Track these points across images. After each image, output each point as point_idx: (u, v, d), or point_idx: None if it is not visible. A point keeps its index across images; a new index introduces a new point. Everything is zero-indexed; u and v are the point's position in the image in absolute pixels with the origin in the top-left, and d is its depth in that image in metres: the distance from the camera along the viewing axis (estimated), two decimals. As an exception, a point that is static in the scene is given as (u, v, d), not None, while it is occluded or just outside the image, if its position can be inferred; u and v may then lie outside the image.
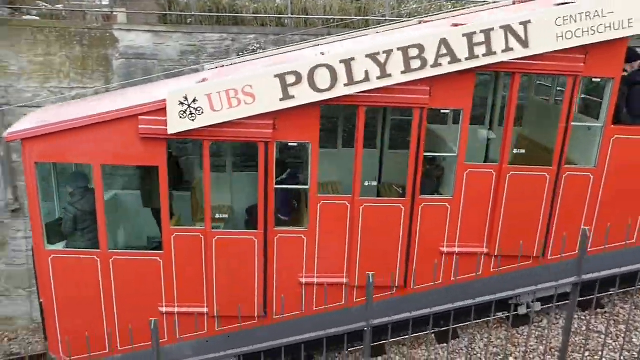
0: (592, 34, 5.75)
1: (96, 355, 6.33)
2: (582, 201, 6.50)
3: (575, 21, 5.70)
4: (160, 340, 4.50)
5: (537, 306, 6.86)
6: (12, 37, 8.95)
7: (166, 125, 5.87)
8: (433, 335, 6.94)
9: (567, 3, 6.00)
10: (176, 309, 6.52)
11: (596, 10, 5.65)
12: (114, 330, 6.58)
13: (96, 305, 6.63)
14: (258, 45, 9.00)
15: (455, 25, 6.10)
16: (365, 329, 4.09)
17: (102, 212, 6.32)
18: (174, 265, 6.44)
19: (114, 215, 7.11)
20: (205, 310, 6.52)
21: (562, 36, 5.75)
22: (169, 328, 6.51)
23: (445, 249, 6.59)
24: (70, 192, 6.73)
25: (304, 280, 6.48)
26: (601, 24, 5.70)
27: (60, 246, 6.74)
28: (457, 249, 6.56)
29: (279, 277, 6.48)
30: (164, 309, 6.51)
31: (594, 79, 6.77)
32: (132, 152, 6.16)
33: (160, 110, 5.90)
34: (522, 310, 6.94)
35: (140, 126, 5.97)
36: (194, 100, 5.85)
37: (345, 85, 5.89)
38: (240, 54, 8.70)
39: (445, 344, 6.75)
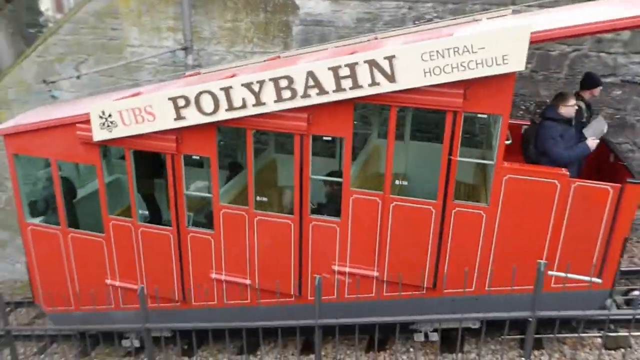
0: (463, 70, 5.49)
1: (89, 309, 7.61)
2: (475, 239, 6.27)
3: (443, 57, 5.51)
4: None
5: (435, 336, 6.88)
6: (207, 5, 9.45)
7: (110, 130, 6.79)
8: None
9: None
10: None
11: (465, 46, 5.41)
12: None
13: (60, 269, 7.92)
14: (436, 14, 8.68)
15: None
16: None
17: (59, 196, 7.52)
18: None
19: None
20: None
21: (429, 71, 5.58)
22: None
23: (336, 268, 6.79)
24: (46, 178, 7.83)
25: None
26: (472, 60, 5.44)
27: (37, 221, 7.96)
28: (347, 269, 6.76)
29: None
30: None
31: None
32: (75, 152, 7.23)
33: (88, 121, 6.80)
34: (417, 337, 7.00)
35: (77, 132, 6.96)
36: (109, 115, 6.70)
37: (227, 110, 6.28)
38: (416, 22, 8.46)
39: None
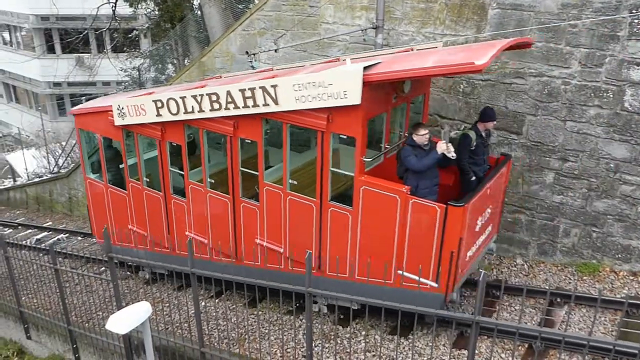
0: (319, 101, 6.73)
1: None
2: (345, 234, 7.38)
3: (307, 88, 6.80)
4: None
5: (324, 309, 8.34)
6: (403, -16, 9.53)
7: (120, 119, 9.45)
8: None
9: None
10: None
11: (319, 82, 6.65)
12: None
13: (103, 212, 10.97)
14: None
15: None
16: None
17: (103, 161, 10.42)
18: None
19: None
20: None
21: (298, 99, 6.92)
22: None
23: (258, 241, 8.45)
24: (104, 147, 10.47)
25: None
26: (324, 93, 6.66)
27: (92, 176, 11.04)
28: (265, 243, 8.35)
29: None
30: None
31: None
32: (110, 130, 9.92)
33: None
34: (315, 308, 8.22)
35: (108, 118, 9.65)
36: (122, 108, 9.29)
37: (184, 113, 8.36)
38: (634, 11, 7.63)
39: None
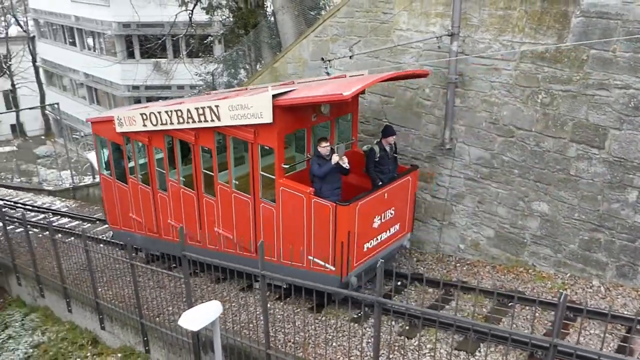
0: (246, 119, 8.53)
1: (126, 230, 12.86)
2: (271, 225, 9.00)
3: (236, 109, 8.63)
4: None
5: (256, 285, 9.83)
6: (480, -9, 9.19)
7: (119, 128, 11.54)
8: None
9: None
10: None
11: (243, 105, 8.51)
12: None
13: (113, 203, 13.14)
14: None
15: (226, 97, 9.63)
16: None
17: (111, 161, 12.62)
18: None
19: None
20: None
21: (232, 117, 8.76)
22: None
23: (216, 229, 10.19)
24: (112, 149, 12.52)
25: None
26: (248, 113, 8.47)
27: (105, 172, 13.24)
28: (221, 231, 10.08)
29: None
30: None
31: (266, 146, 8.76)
32: (115, 136, 11.93)
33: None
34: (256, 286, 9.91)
35: (112, 126, 11.68)
36: (120, 119, 11.38)
37: (161, 124, 10.29)
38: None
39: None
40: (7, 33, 44.50)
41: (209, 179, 10.00)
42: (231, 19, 20.07)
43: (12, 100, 46.20)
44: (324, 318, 8.68)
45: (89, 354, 10.92)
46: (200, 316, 5.46)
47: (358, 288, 8.57)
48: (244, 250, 9.59)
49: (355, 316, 8.72)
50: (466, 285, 9.07)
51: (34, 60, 44.38)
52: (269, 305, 7.41)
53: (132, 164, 12.01)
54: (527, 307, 8.39)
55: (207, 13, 20.46)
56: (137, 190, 12.03)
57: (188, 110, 9.59)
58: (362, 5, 10.80)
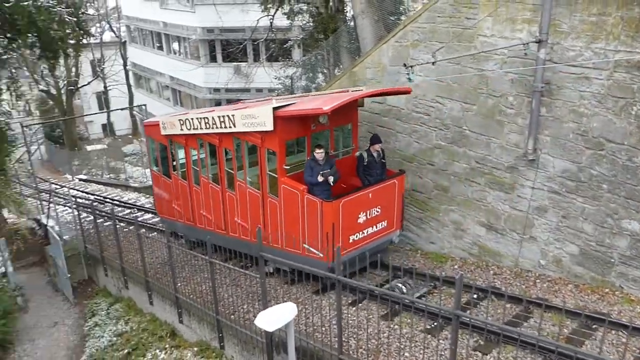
0: (255, 126, 10.05)
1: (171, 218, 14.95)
2: (276, 216, 10.37)
3: (247, 118, 10.18)
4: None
5: (271, 269, 10.95)
6: (571, -5, 8.77)
7: (163, 131, 13.63)
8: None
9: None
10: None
11: (252, 115, 10.07)
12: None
13: (161, 194, 15.43)
14: None
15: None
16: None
17: (159, 159, 14.93)
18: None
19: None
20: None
21: (244, 125, 10.30)
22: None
23: (236, 220, 11.76)
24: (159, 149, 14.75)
25: None
26: (255, 122, 10.00)
27: (154, 168, 15.45)
28: (240, 222, 11.62)
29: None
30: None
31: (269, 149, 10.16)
32: (161, 138, 13.99)
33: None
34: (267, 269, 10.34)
35: (159, 129, 13.75)
36: (164, 123, 13.44)
37: (193, 129, 12.07)
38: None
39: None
40: (101, 39, 47.35)
41: (230, 176, 11.57)
42: (311, 24, 20.35)
43: (104, 102, 49.10)
44: (396, 327, 8.60)
45: (167, 346, 11.40)
46: (275, 317, 5.56)
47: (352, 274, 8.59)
48: (254, 238, 10.43)
49: (430, 327, 8.57)
50: (549, 303, 8.66)
51: (124, 64, 46.93)
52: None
53: (174, 162, 14.01)
54: (614, 332, 7.92)
55: (288, 18, 20.83)
56: (177, 185, 13.96)
57: (212, 118, 11.28)
58: (445, 10, 10.62)
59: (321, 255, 9.58)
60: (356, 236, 10.00)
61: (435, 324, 8.52)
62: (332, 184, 9.71)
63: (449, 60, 10.39)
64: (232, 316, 9.81)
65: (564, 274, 9.69)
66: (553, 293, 9.36)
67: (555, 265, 9.82)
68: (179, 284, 11.25)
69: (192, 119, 11.99)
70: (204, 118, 11.51)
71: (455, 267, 11.08)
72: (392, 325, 8.67)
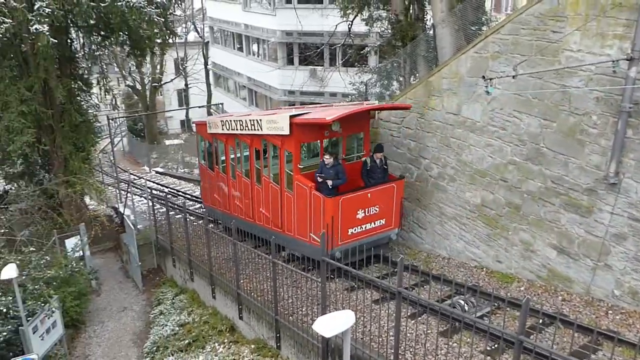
0: (276, 130, 11.85)
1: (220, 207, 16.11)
2: (291, 209, 12.01)
3: (270, 123, 12.03)
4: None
5: (285, 255, 12.65)
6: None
7: (210, 129, 15.35)
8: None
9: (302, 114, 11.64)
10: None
11: (273, 120, 11.91)
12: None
13: (205, 186, 17.25)
14: None
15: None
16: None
17: (205, 154, 16.64)
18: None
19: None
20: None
21: (268, 128, 12.14)
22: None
23: (260, 209, 13.35)
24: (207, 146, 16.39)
25: None
26: (276, 126, 11.80)
27: (202, 162, 17.10)
28: (263, 211, 13.25)
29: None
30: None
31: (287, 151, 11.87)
32: (208, 137, 15.65)
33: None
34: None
35: (206, 127, 15.49)
36: (210, 123, 15.28)
37: (231, 129, 13.87)
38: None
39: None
40: (186, 38, 49.29)
41: (258, 172, 13.19)
42: (389, 31, 20.23)
43: (184, 99, 51.08)
44: (455, 345, 8.36)
45: (226, 340, 11.67)
46: (333, 323, 5.55)
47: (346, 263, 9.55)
48: (273, 226, 12.79)
49: (490, 348, 8.28)
50: (622, 337, 8.13)
51: (205, 63, 48.58)
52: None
53: (216, 157, 15.77)
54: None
55: (366, 24, 20.82)
56: (218, 177, 15.82)
57: (246, 121, 13.00)
58: (530, 22, 10.25)
59: (319, 241, 10.23)
60: (354, 230, 11.37)
61: (496, 345, 8.22)
62: (330, 186, 11.25)
63: (530, 74, 10.02)
64: (291, 317, 9.90)
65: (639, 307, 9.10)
66: (626, 326, 8.79)
67: (630, 296, 9.22)
68: (242, 281, 11.49)
69: (231, 121, 13.73)
70: (240, 121, 13.26)
71: (522, 288, 10.65)
72: (450, 343, 8.44)
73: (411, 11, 18.25)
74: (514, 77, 9.63)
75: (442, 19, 14.36)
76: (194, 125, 17.94)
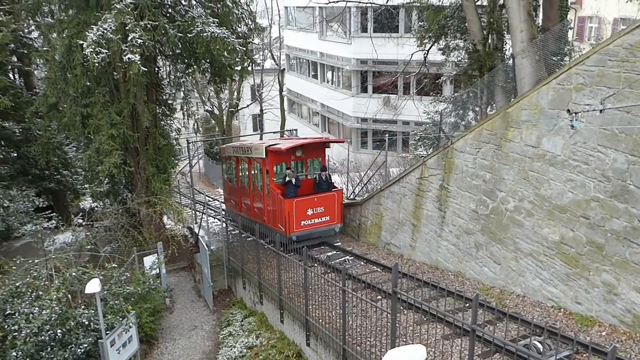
0: (258, 155, 17.53)
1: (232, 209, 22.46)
2: (269, 207, 17.48)
3: (256, 150, 17.83)
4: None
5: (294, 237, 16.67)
6: None
7: (226, 153, 21.70)
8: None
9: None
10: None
11: (257, 147, 18.16)
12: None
13: (227, 192, 23.38)
14: None
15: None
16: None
17: (225, 170, 23.06)
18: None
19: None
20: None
21: (255, 153, 17.88)
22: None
23: (255, 210, 19.24)
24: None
25: None
26: (259, 151, 17.36)
27: (225, 176, 23.01)
28: (256, 209, 19.00)
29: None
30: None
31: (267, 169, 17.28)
32: (227, 157, 21.53)
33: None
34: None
35: (225, 152, 22.01)
36: (226, 148, 21.96)
37: (239, 153, 19.73)
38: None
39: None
40: (262, 66, 50.93)
41: (254, 182, 18.49)
42: (466, 60, 20.01)
43: (258, 123, 52.56)
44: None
45: (292, 366, 11.70)
46: (403, 357, 5.45)
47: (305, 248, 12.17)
48: (260, 220, 17.78)
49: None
50: None
51: (280, 90, 49.91)
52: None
53: (230, 172, 21.51)
54: None
55: (442, 54, 20.74)
56: (232, 187, 21.39)
57: (245, 147, 18.78)
58: (618, 53, 9.85)
59: (283, 229, 16.33)
60: (305, 222, 16.54)
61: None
62: (293, 184, 16.53)
63: (618, 109, 9.58)
64: (358, 347, 9.81)
65: None
66: None
67: None
68: (310, 307, 11.53)
69: (237, 147, 19.89)
70: (242, 147, 19.29)
71: (603, 333, 10.01)
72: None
73: (489, 41, 17.98)
74: (601, 111, 9.24)
75: (522, 49, 14.08)
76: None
